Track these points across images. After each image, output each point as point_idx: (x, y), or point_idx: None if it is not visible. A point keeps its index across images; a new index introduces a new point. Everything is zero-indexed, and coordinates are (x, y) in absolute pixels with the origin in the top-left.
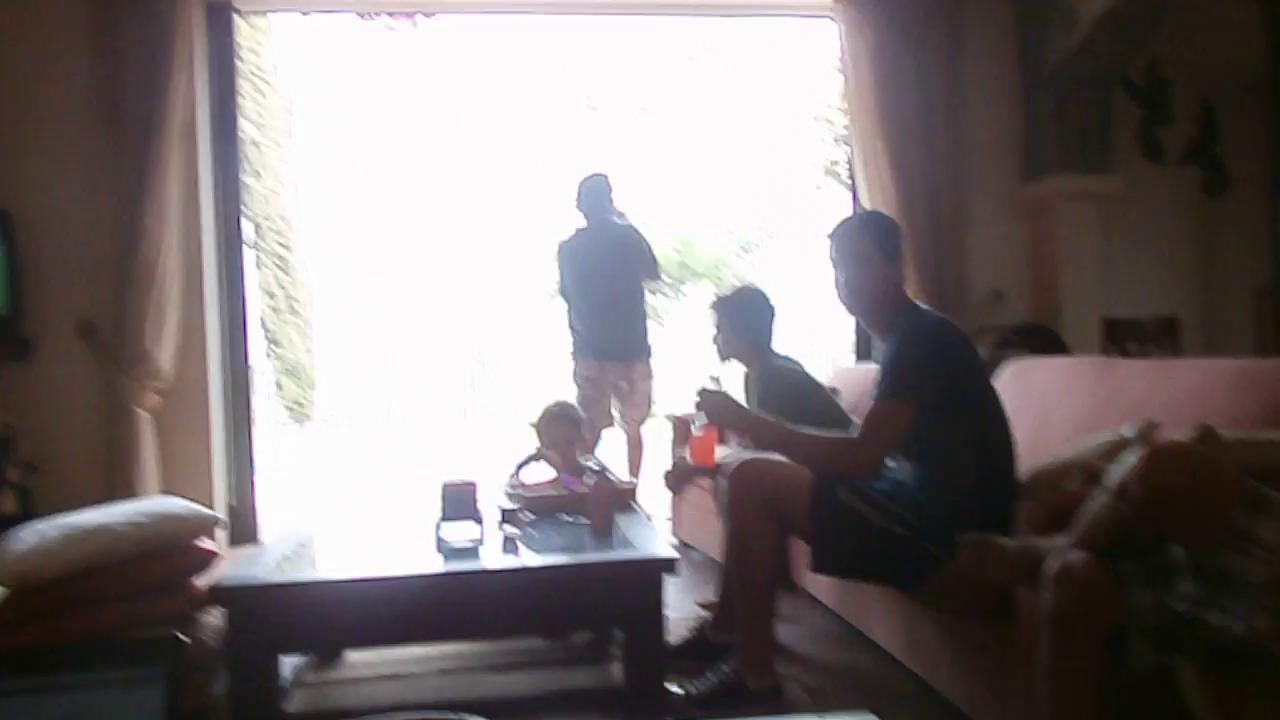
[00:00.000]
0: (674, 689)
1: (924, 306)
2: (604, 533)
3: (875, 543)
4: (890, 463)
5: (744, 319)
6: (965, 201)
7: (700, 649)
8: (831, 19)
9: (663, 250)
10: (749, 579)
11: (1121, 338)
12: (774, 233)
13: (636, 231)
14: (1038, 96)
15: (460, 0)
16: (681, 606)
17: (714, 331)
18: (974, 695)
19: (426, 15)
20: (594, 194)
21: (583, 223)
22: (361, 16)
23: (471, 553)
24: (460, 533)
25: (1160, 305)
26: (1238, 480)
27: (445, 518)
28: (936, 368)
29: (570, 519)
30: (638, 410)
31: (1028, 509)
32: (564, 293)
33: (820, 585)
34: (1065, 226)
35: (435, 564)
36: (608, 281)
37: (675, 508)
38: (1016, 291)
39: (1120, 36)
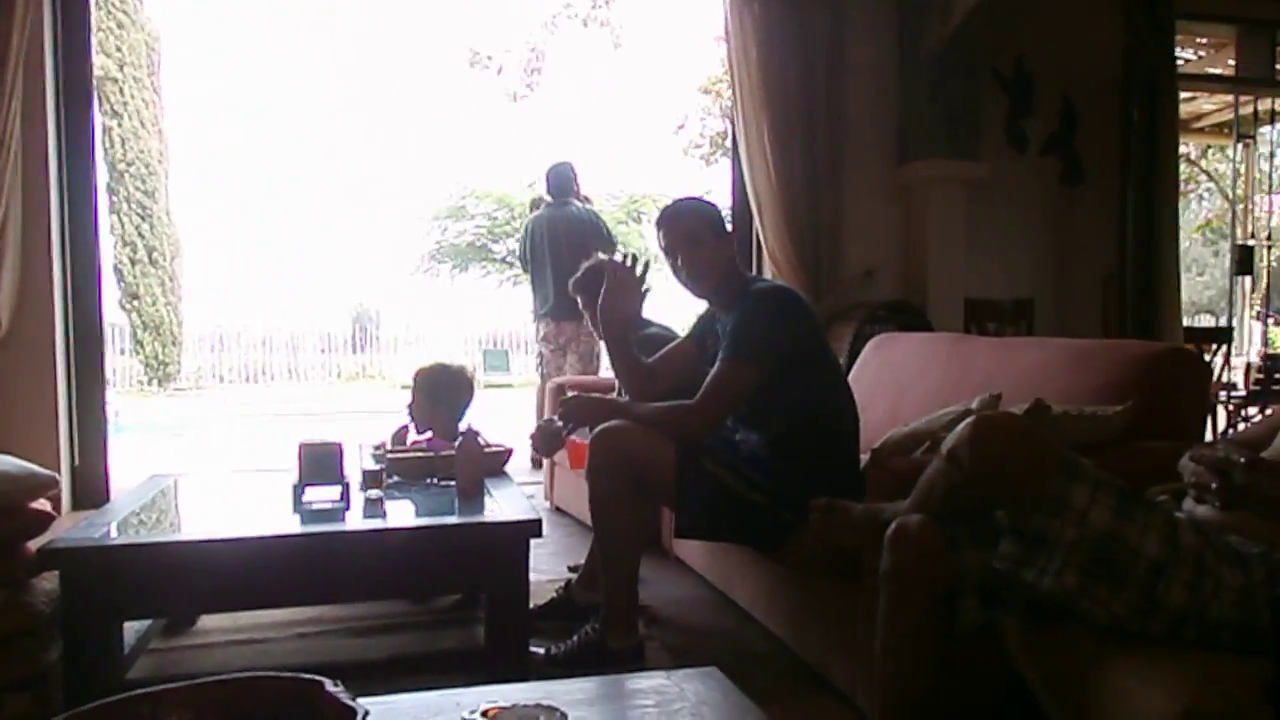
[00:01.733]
0: (536, 649)
1: (761, 278)
2: (471, 496)
3: (736, 509)
4: (745, 433)
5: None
6: (843, 180)
7: (566, 610)
8: None
9: None
10: (610, 542)
11: (981, 316)
12: (662, 202)
13: (594, 213)
14: (913, 82)
15: None
16: (552, 569)
17: (584, 313)
18: (825, 653)
19: None
20: (560, 179)
21: (550, 201)
22: None
23: (332, 515)
24: (322, 494)
25: (1018, 287)
26: (1054, 448)
27: (306, 479)
28: (777, 330)
29: (438, 482)
30: (585, 365)
31: (877, 475)
32: (523, 260)
33: (689, 551)
34: (934, 209)
35: (293, 525)
36: (566, 252)
37: (550, 473)
38: (888, 269)
39: (991, 28)
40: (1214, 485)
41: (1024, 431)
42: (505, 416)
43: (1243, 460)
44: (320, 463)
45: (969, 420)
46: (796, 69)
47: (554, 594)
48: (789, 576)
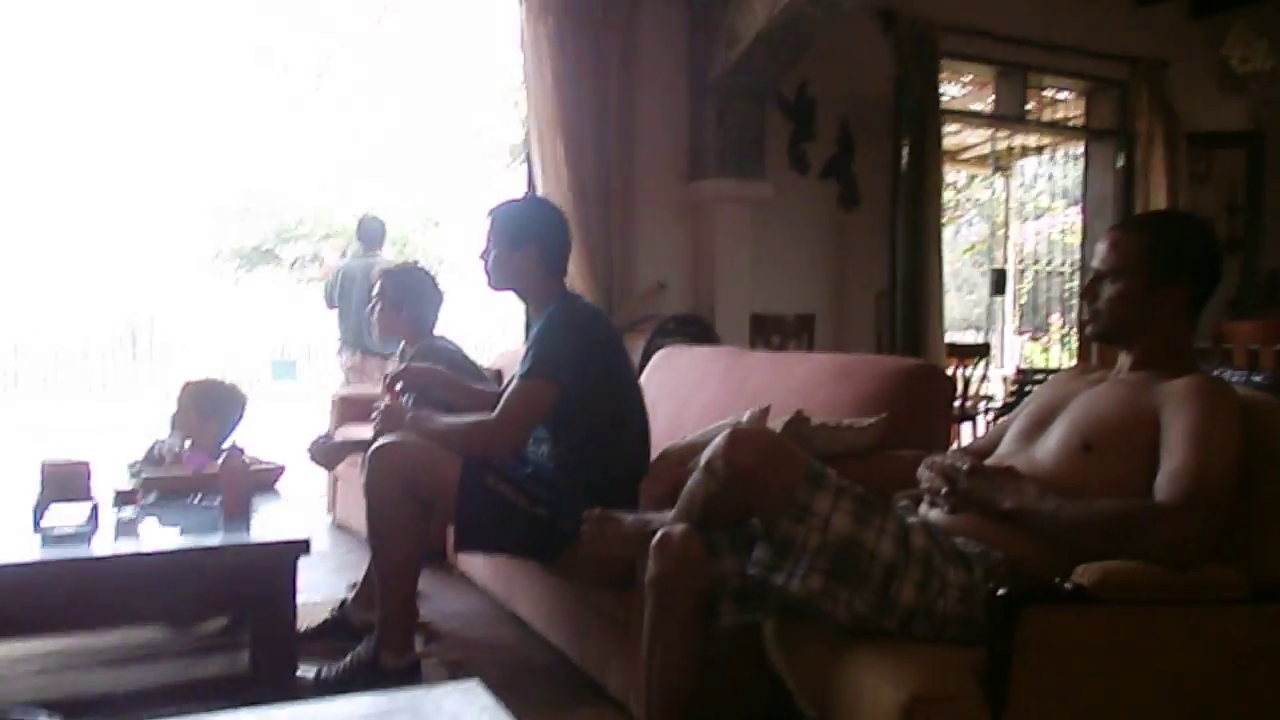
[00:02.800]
0: (307, 672)
1: (575, 294)
2: (236, 515)
3: (517, 523)
4: (534, 447)
5: (409, 299)
6: (635, 195)
7: (341, 630)
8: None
9: (348, 220)
10: (386, 558)
11: (767, 330)
12: (461, 209)
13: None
14: (702, 103)
15: None
16: (332, 588)
17: (376, 303)
18: (602, 662)
19: None
20: (370, 232)
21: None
22: None
23: (78, 538)
24: (67, 517)
25: (801, 302)
26: (801, 459)
27: (49, 500)
28: (577, 352)
29: (202, 501)
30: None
31: (650, 486)
32: (331, 300)
33: (472, 564)
34: (722, 226)
35: (31, 551)
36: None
37: (333, 489)
38: (678, 283)
39: (774, 56)
40: (943, 490)
41: (773, 443)
42: (293, 429)
43: (965, 467)
44: (65, 482)
45: (723, 433)
46: (590, 84)
47: (329, 614)
48: (568, 588)
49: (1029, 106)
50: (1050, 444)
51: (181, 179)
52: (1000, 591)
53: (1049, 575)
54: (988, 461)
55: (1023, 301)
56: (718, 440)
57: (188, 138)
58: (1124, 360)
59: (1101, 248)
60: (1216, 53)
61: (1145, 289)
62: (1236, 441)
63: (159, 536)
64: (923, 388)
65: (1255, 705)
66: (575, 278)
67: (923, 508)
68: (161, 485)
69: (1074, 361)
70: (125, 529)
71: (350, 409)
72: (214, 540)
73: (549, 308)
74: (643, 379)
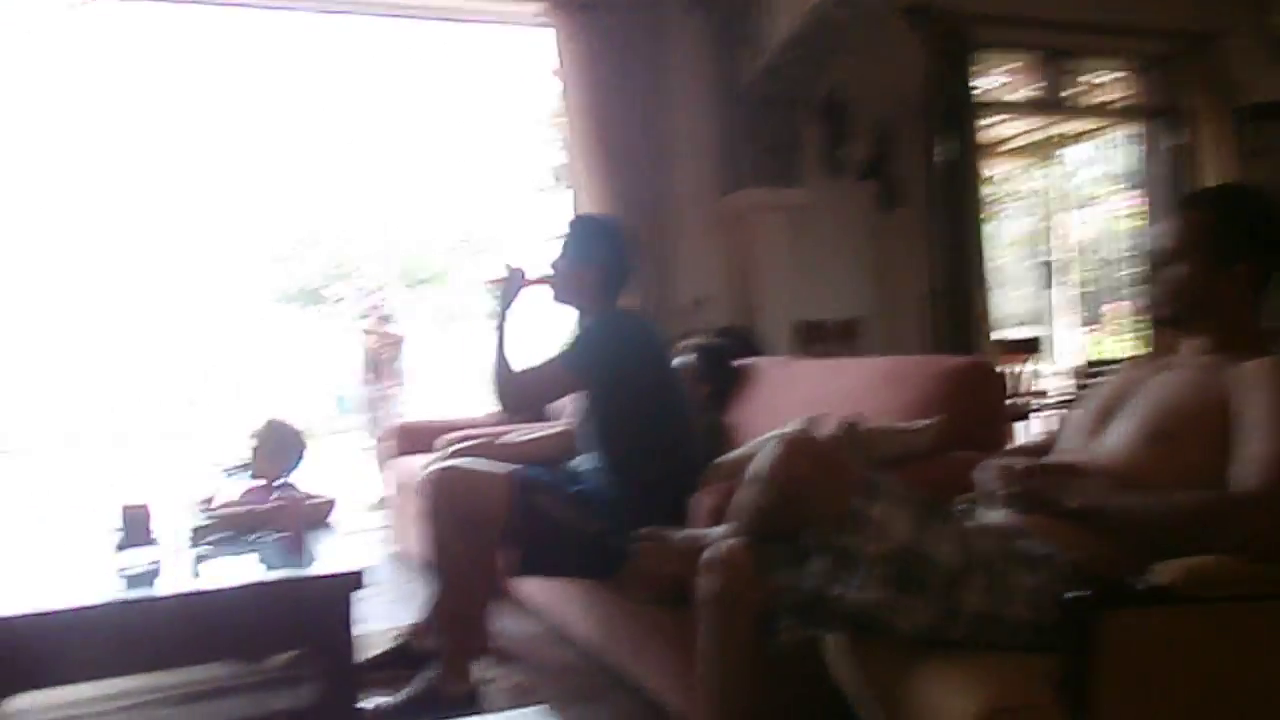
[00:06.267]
0: (369, 703)
1: (627, 310)
2: (295, 550)
3: (571, 543)
4: (589, 459)
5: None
6: (671, 210)
7: (405, 658)
8: (548, 25)
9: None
10: (446, 585)
11: (811, 338)
12: (502, 236)
13: None
14: (733, 114)
15: None
16: (393, 618)
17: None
18: (661, 682)
19: None
20: None
21: None
22: None
23: (143, 579)
24: (129, 558)
25: (844, 308)
26: (855, 467)
27: (123, 543)
28: (609, 352)
29: (263, 537)
30: None
31: (702, 500)
32: None
33: (527, 587)
34: (760, 236)
35: (103, 593)
36: None
37: (396, 520)
38: (719, 296)
39: (803, 61)
40: (999, 492)
41: (826, 451)
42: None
43: (1022, 467)
44: (130, 525)
45: (776, 443)
46: (623, 102)
47: (391, 643)
48: (625, 607)
49: (1071, 92)
50: (1117, 436)
51: (240, 224)
52: (1074, 595)
53: (1119, 575)
54: (1049, 458)
55: (1080, 292)
56: (770, 450)
57: (243, 187)
58: (1189, 344)
59: (1163, 228)
60: (1265, 22)
61: (1211, 268)
62: None
63: (226, 573)
64: (976, 386)
65: None
66: None
67: (982, 511)
68: (227, 522)
69: (1144, 350)
70: (188, 569)
71: (408, 438)
72: (269, 576)
73: (597, 313)
74: None
